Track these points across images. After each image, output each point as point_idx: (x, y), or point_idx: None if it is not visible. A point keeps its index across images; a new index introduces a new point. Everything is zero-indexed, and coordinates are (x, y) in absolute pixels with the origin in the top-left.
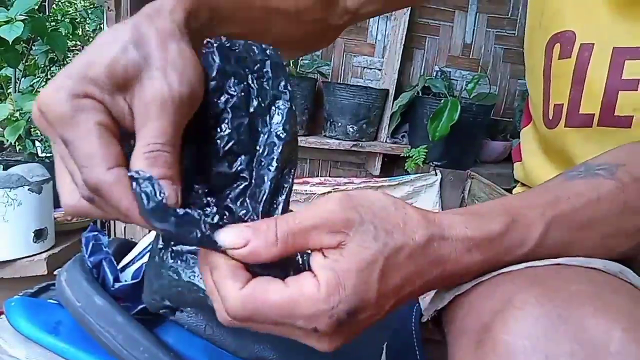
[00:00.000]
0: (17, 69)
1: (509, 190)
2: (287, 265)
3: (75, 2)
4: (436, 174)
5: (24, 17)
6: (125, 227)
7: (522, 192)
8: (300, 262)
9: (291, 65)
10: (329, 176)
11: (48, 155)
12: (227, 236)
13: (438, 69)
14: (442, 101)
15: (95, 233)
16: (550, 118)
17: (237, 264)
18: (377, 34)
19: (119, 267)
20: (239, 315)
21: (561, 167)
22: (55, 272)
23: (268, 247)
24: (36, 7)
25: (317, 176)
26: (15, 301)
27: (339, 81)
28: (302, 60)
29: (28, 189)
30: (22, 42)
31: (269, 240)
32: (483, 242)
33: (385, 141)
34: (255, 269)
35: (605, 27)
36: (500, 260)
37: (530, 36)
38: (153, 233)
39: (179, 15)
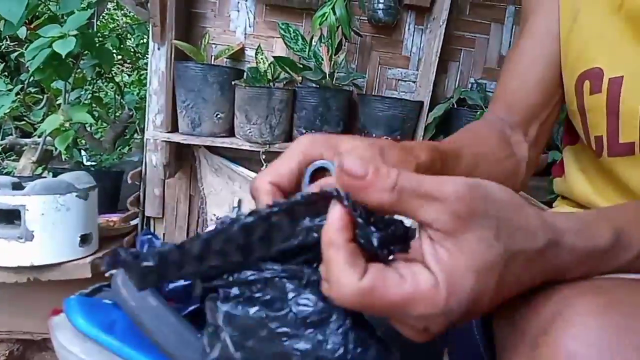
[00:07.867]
0: (66, 82)
1: (546, 203)
2: (384, 226)
3: (117, 18)
4: None
5: (75, 33)
6: (164, 233)
7: (623, 203)
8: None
9: (327, 78)
10: None
11: (92, 163)
12: (351, 161)
13: (474, 81)
14: (478, 113)
15: (150, 236)
16: (594, 149)
17: (356, 250)
18: (412, 47)
19: None
20: (354, 305)
21: (612, 187)
22: (107, 274)
23: (382, 191)
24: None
25: None
26: (74, 300)
27: (373, 93)
28: (337, 72)
29: (76, 195)
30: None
31: (386, 185)
32: (589, 256)
33: None
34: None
35: (631, 59)
36: (596, 271)
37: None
38: None
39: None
